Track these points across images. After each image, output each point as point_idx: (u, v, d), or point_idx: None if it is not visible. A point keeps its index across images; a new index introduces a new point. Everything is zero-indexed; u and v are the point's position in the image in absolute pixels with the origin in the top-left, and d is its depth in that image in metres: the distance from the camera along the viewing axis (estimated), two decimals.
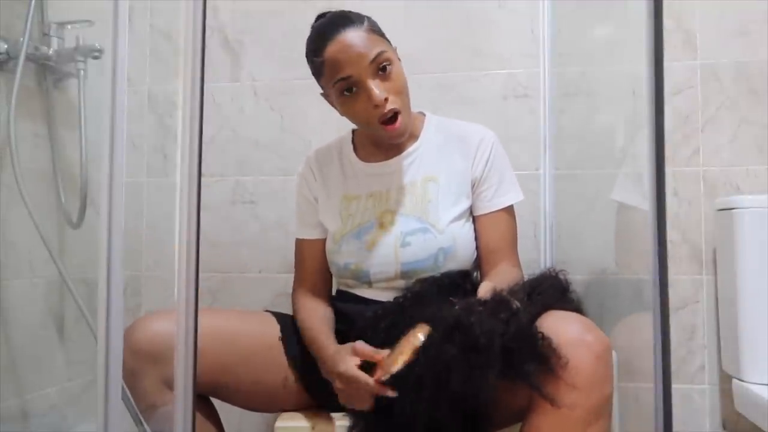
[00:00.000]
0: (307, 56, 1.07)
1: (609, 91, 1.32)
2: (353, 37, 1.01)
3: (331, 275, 1.19)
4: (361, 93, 1.02)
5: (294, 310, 1.14)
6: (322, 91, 1.10)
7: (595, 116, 1.42)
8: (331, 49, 1.01)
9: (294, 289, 1.18)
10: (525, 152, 1.48)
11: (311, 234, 1.18)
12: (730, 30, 1.45)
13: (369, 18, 1.06)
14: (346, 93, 1.03)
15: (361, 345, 0.91)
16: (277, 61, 1.60)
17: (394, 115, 1.04)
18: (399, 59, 1.08)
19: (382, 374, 0.86)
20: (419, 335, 0.84)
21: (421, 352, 0.84)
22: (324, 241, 1.17)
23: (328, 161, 1.20)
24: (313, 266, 1.17)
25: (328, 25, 1.03)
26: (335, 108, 1.10)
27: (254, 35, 1.62)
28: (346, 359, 0.91)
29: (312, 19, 1.10)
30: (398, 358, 0.84)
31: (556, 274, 0.98)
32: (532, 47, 1.50)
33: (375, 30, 1.04)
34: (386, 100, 1.02)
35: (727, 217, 1.33)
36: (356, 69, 1.00)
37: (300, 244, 1.20)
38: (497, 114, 1.51)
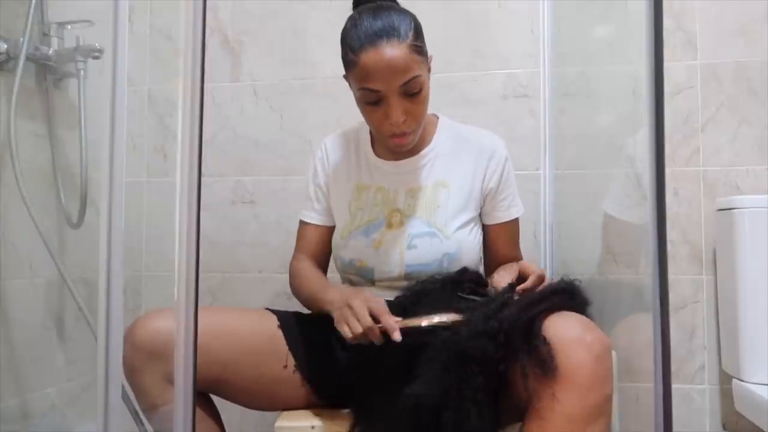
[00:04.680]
0: (341, 40, 1.04)
1: (609, 91, 1.32)
2: (393, 53, 0.96)
3: (329, 257, 1.23)
4: (382, 107, 1.02)
5: (290, 276, 1.18)
6: (345, 73, 1.08)
7: (595, 116, 1.42)
8: (368, 57, 0.97)
9: (292, 261, 1.22)
10: (525, 152, 1.48)
11: (313, 218, 1.21)
12: (730, 30, 1.45)
13: (415, 24, 1.02)
14: (368, 101, 1.02)
15: (378, 302, 0.92)
16: (277, 61, 1.60)
17: (403, 133, 1.04)
18: (430, 69, 1.06)
19: (406, 322, 0.88)
20: (446, 318, 0.87)
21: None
22: (326, 228, 1.20)
23: (343, 148, 1.20)
24: (311, 247, 1.21)
25: (372, 23, 0.98)
26: (353, 94, 1.08)
27: (254, 35, 1.62)
28: (381, 303, 0.92)
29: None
30: (423, 320, 0.87)
31: (572, 281, 0.97)
32: (532, 47, 1.50)
33: (417, 46, 1.00)
34: (404, 122, 1.02)
35: (727, 217, 1.33)
36: (386, 86, 0.99)
37: (302, 224, 1.23)
38: (497, 114, 1.51)
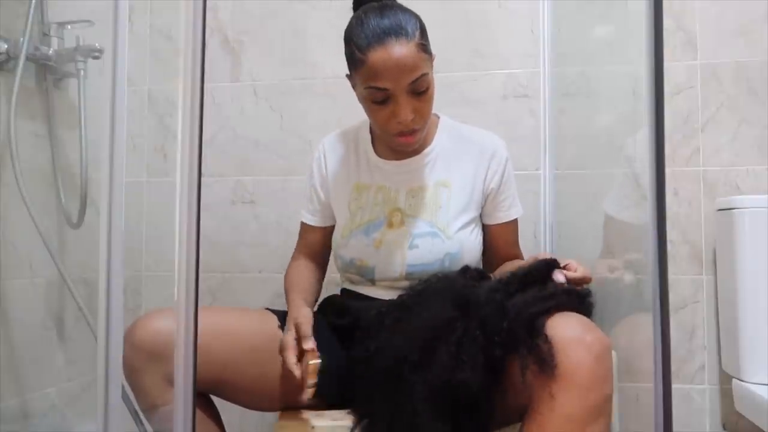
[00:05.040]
0: (346, 38, 1.04)
1: (609, 91, 1.32)
2: (402, 52, 0.97)
3: (325, 257, 1.24)
4: (390, 105, 1.02)
5: (285, 274, 1.20)
6: (348, 73, 1.08)
7: (595, 116, 1.42)
8: (377, 55, 0.97)
9: (290, 260, 1.24)
10: (525, 152, 1.48)
11: (311, 220, 1.22)
12: (730, 30, 1.45)
13: (420, 23, 1.03)
14: (375, 100, 1.02)
15: (303, 324, 0.95)
16: (277, 61, 1.60)
17: (412, 131, 1.04)
18: (432, 67, 1.06)
19: (308, 380, 0.92)
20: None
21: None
22: (321, 228, 1.21)
23: (343, 147, 1.20)
24: (308, 247, 1.23)
25: (379, 22, 0.99)
26: (356, 93, 1.08)
27: (254, 35, 1.62)
28: (289, 352, 0.94)
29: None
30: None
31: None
32: (532, 47, 1.50)
33: (423, 45, 1.01)
34: (412, 120, 1.02)
35: (727, 217, 1.33)
36: (394, 85, 0.99)
37: (302, 226, 1.24)
38: (497, 114, 1.51)
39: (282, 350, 0.95)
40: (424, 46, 1.01)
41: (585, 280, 0.93)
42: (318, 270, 1.23)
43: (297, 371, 0.91)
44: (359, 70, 1.01)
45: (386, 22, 0.98)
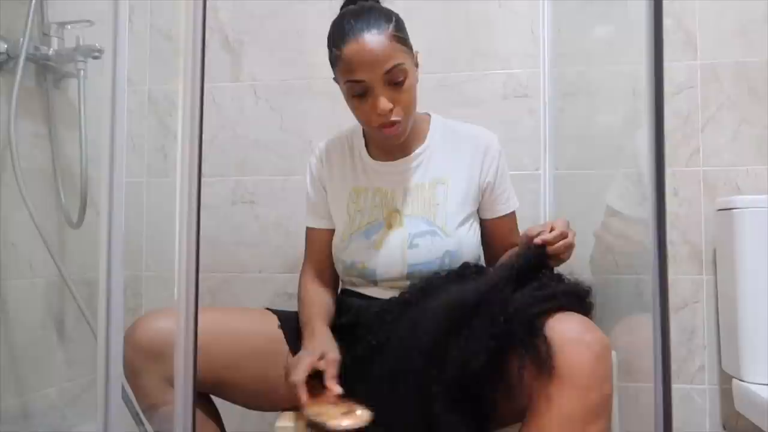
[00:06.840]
0: (328, 41, 1.07)
1: (609, 91, 1.32)
2: (375, 42, 0.99)
3: None
4: (369, 98, 1.03)
5: (298, 290, 1.18)
6: (334, 77, 1.10)
7: (595, 116, 1.42)
8: (350, 48, 1.00)
9: (302, 272, 1.21)
10: (525, 152, 1.48)
11: (319, 224, 1.20)
12: (730, 30, 1.45)
13: (397, 18, 1.05)
14: (355, 94, 1.04)
15: (333, 363, 0.93)
16: (277, 61, 1.60)
17: (393, 122, 1.04)
18: (417, 65, 1.08)
19: (316, 418, 0.86)
20: (360, 419, 0.84)
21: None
22: (332, 232, 1.19)
23: (338, 151, 1.20)
24: (320, 253, 1.20)
25: (354, 20, 1.01)
26: (342, 94, 1.09)
27: (254, 35, 1.62)
28: (302, 366, 0.92)
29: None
30: (334, 416, 0.84)
31: (585, 286, 0.96)
32: (532, 47, 1.50)
33: (398, 36, 1.02)
34: (391, 110, 1.02)
35: (727, 217, 1.33)
36: (369, 75, 1.00)
37: (308, 231, 1.22)
38: (497, 114, 1.51)
39: (292, 368, 0.93)
40: (399, 38, 1.02)
41: (562, 236, 0.93)
42: (333, 284, 1.20)
43: (303, 394, 0.89)
44: (338, 67, 1.04)
45: (360, 19, 1.01)
